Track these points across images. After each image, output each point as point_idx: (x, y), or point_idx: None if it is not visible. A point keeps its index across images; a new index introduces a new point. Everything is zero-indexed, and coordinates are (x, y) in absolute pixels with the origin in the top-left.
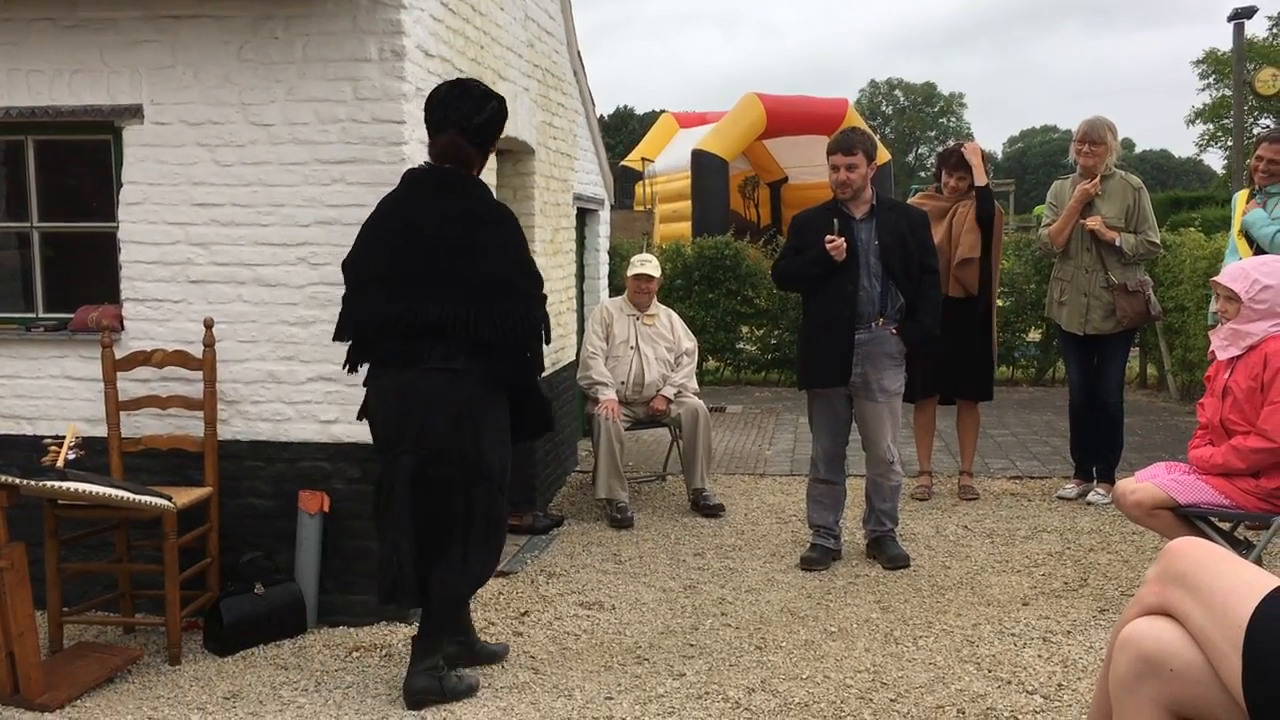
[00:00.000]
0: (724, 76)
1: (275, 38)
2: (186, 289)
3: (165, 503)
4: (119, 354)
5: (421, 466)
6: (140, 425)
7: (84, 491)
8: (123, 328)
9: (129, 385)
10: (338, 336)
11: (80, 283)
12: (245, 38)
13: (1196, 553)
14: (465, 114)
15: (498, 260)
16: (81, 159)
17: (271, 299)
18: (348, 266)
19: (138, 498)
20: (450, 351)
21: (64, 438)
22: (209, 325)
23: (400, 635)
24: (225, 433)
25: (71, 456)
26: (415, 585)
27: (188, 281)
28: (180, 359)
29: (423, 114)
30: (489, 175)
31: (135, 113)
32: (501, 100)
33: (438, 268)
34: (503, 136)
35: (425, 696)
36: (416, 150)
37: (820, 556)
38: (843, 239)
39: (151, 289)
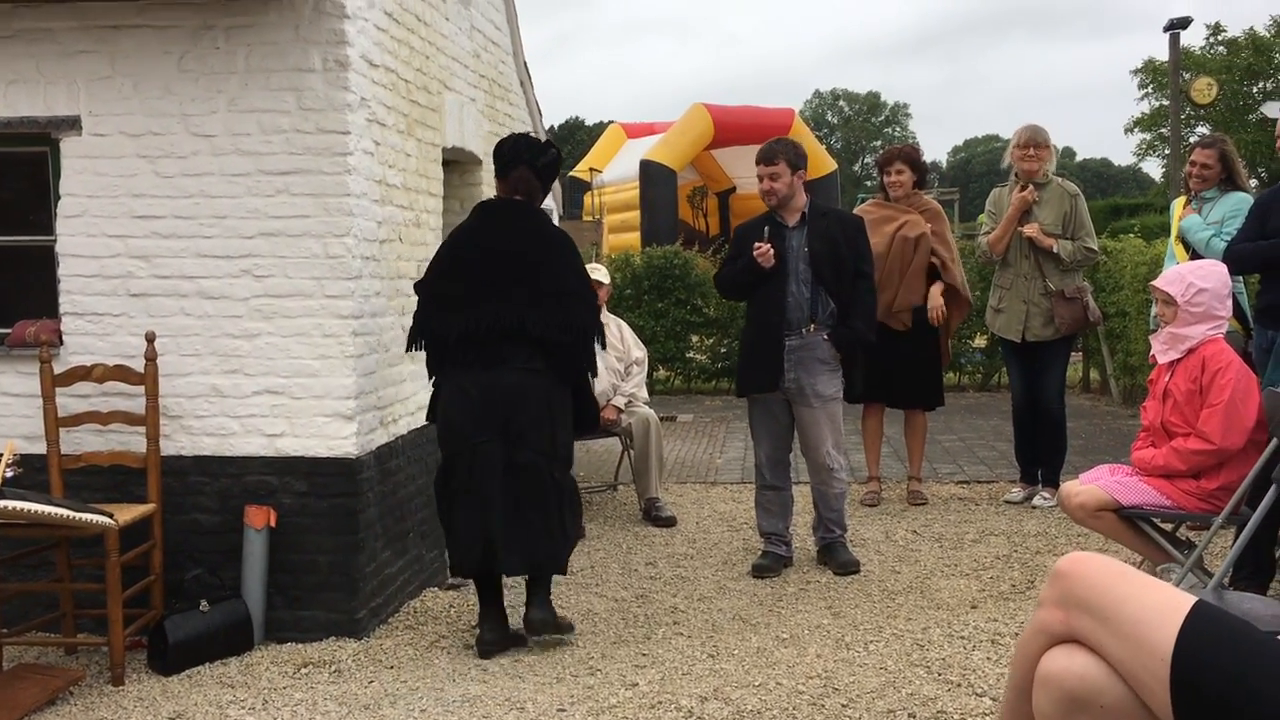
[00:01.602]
0: (678, 87)
1: (217, 48)
2: (127, 302)
3: (106, 520)
4: (58, 369)
5: (509, 453)
6: (80, 441)
7: (22, 510)
8: (61, 342)
9: (68, 401)
10: (410, 348)
11: (17, 297)
12: (186, 48)
13: (1092, 574)
14: (534, 154)
15: (565, 276)
16: (18, 171)
17: (215, 311)
18: (426, 284)
19: (78, 515)
20: (529, 354)
21: (1, 455)
22: (150, 339)
23: (349, 650)
24: (168, 448)
25: (9, 474)
26: (506, 552)
27: (128, 295)
28: (121, 374)
29: (492, 159)
30: (436, 185)
31: (73, 124)
32: (559, 149)
33: (517, 282)
34: (449, 147)
35: (545, 627)
36: (362, 161)
37: (771, 564)
38: (769, 246)
39: (91, 303)
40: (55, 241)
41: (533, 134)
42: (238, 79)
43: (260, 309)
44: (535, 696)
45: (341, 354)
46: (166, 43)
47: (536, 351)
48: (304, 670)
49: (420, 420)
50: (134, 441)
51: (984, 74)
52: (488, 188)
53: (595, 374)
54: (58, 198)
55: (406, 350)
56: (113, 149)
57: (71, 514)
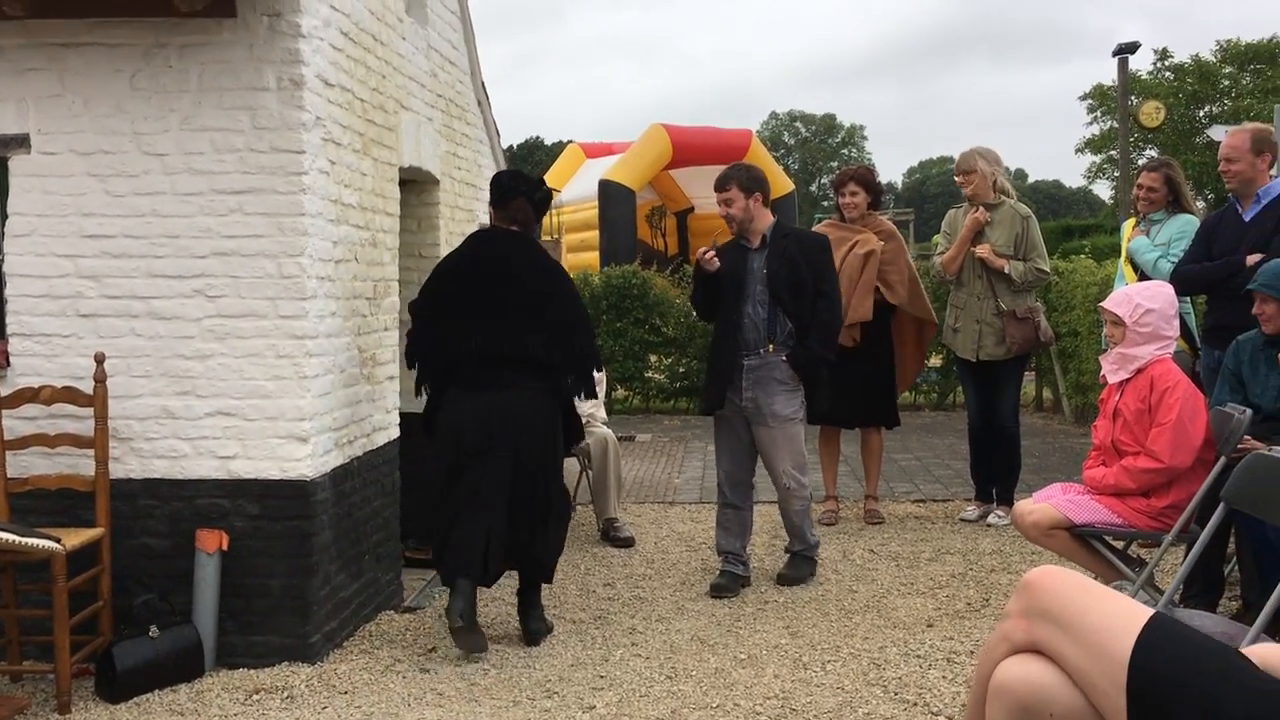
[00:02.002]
0: (638, 108)
1: (169, 66)
2: (76, 323)
3: (53, 545)
4: (4, 391)
5: (515, 467)
6: (27, 465)
7: None
8: (8, 364)
9: (15, 423)
10: (410, 364)
11: None
12: (138, 66)
13: (1060, 586)
14: (532, 189)
15: (565, 304)
16: None
17: (166, 332)
18: (421, 307)
19: (24, 540)
20: (533, 375)
21: None
22: (100, 360)
23: (302, 676)
24: (118, 471)
25: None
26: (505, 557)
27: (77, 315)
28: (69, 396)
29: (488, 190)
30: (392, 204)
31: (22, 142)
32: (550, 189)
33: (520, 308)
34: (406, 166)
35: (542, 634)
36: (317, 180)
37: (729, 583)
38: (714, 252)
39: (39, 323)
40: (2, 261)
41: (491, 153)
42: (190, 97)
43: (213, 329)
44: None
45: (296, 375)
46: (118, 61)
47: (539, 373)
48: (255, 697)
49: (377, 441)
50: (82, 464)
51: (939, 97)
52: (445, 207)
53: (595, 397)
54: (5, 217)
55: (410, 368)
56: (62, 168)
57: (17, 538)
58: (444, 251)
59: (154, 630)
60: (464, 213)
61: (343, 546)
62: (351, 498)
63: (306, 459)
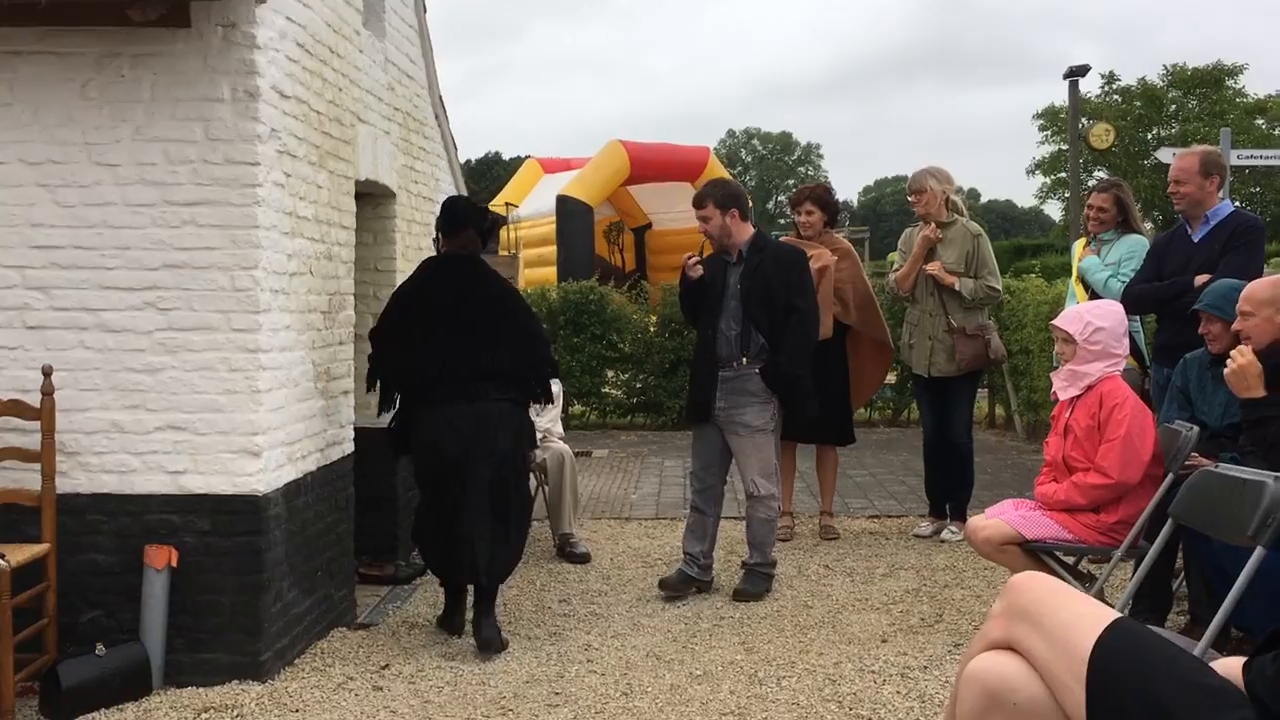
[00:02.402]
0: (597, 124)
1: (122, 75)
2: (23, 335)
3: None
4: None
5: (492, 474)
6: None
7: None
8: None
9: None
10: (372, 387)
11: None
12: (89, 75)
13: (1038, 588)
14: (478, 219)
15: (522, 319)
16: None
17: (116, 345)
18: (385, 330)
19: None
20: (501, 387)
21: None
22: (47, 373)
23: (252, 694)
24: (65, 486)
25: None
26: (487, 561)
27: (24, 327)
28: (15, 409)
29: (442, 216)
30: (348, 218)
31: None
32: (496, 215)
33: (484, 325)
34: (363, 180)
35: (496, 644)
36: (271, 192)
37: (678, 581)
38: (697, 259)
39: None
40: None
41: (449, 168)
42: (143, 108)
43: (164, 342)
44: None
45: (249, 389)
46: (69, 70)
47: (505, 384)
48: (204, 716)
49: (331, 456)
50: (28, 479)
51: (895, 117)
52: (402, 221)
53: (554, 403)
54: None
55: (371, 390)
56: (10, 177)
57: None
58: (400, 265)
59: (100, 648)
60: (420, 227)
61: (295, 562)
62: (305, 513)
63: (259, 474)
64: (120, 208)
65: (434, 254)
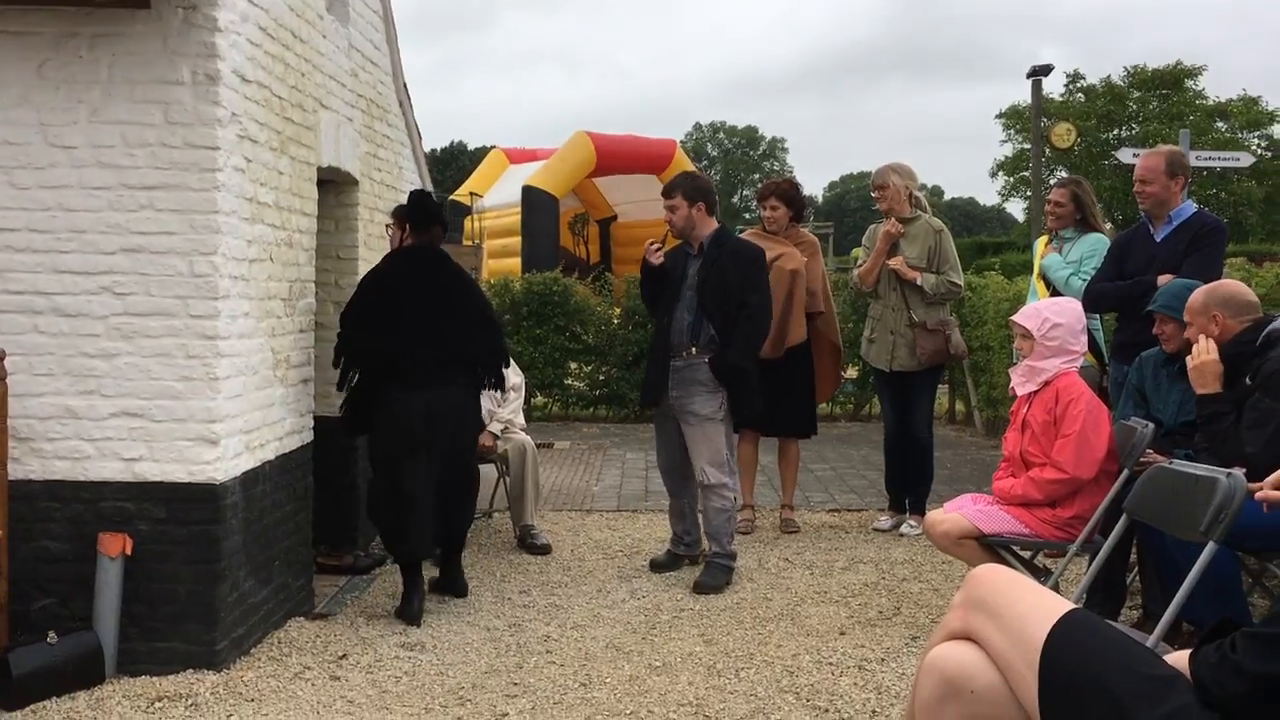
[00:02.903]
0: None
1: (79, 56)
2: None
3: None
4: None
5: (453, 452)
6: None
7: None
8: None
9: None
10: (338, 364)
11: None
12: (46, 55)
13: (996, 579)
14: (443, 218)
15: (481, 308)
16: None
17: (71, 330)
18: (358, 313)
19: None
20: (462, 372)
21: None
22: (0, 357)
23: (207, 683)
24: (17, 472)
25: None
26: (450, 533)
27: None
28: None
29: (411, 209)
30: (310, 204)
31: None
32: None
33: (450, 315)
34: (325, 166)
35: (466, 586)
36: (231, 178)
37: (667, 560)
38: (659, 245)
39: None
40: None
41: (412, 156)
42: (101, 89)
43: (120, 328)
44: None
45: (206, 376)
46: (25, 49)
47: (469, 371)
48: (158, 704)
49: (290, 445)
50: None
51: (862, 114)
52: (364, 209)
53: (504, 388)
54: None
55: (336, 365)
56: None
57: None
58: (363, 253)
59: (52, 636)
60: (383, 215)
61: (252, 551)
62: (262, 502)
63: (216, 462)
64: (76, 190)
65: (395, 244)
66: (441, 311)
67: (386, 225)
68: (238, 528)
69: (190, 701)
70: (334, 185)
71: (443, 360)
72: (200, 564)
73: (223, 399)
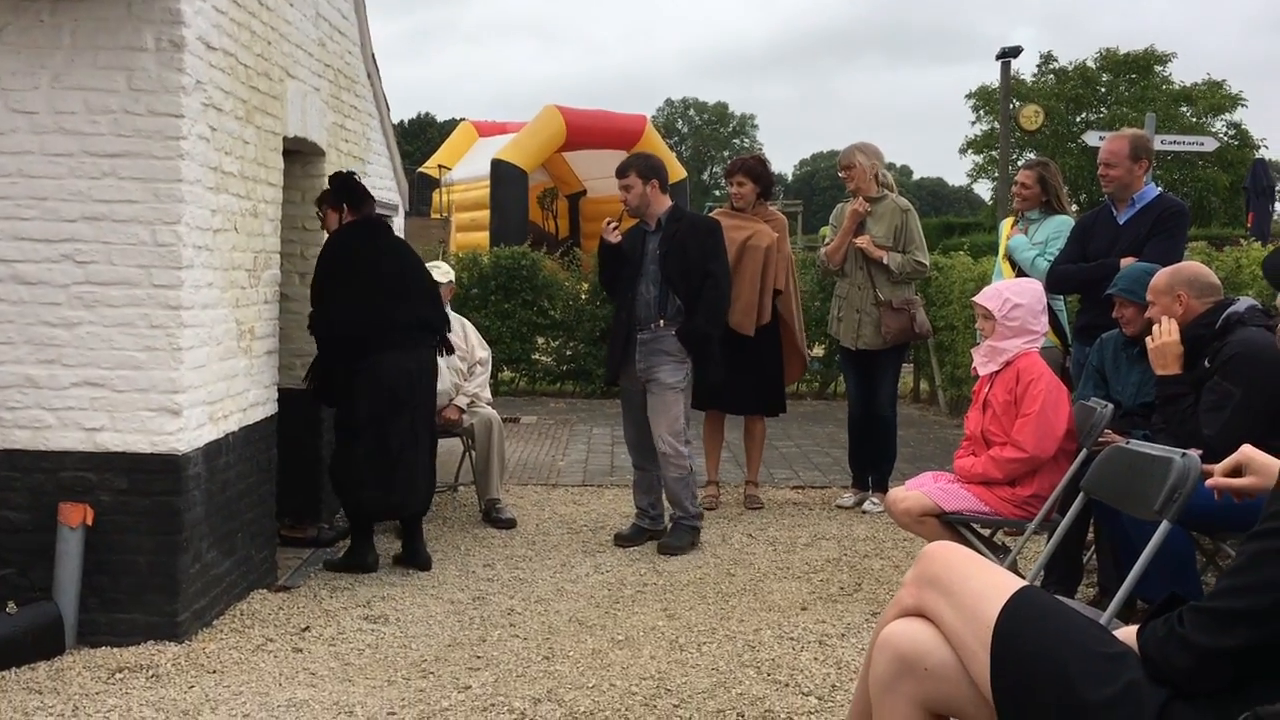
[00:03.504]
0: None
1: (41, 21)
2: None
3: None
4: None
5: (428, 414)
6: None
7: None
8: None
9: None
10: (322, 330)
11: None
12: (6, 19)
13: (949, 557)
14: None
15: (430, 278)
16: None
17: (31, 298)
18: (336, 281)
19: None
20: (427, 335)
21: None
22: None
23: (169, 654)
24: None
25: None
26: (426, 492)
27: None
28: None
29: (349, 188)
30: (275, 175)
31: None
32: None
33: (415, 283)
34: (291, 137)
35: (430, 559)
36: (196, 146)
37: (632, 534)
38: (616, 224)
39: None
40: None
41: (380, 127)
42: (63, 54)
43: (81, 296)
44: (365, 700)
45: (169, 346)
46: None
47: (429, 333)
48: (119, 675)
49: (254, 417)
50: None
51: (834, 92)
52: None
53: (454, 353)
54: None
55: (314, 334)
56: None
57: None
58: None
59: (11, 606)
60: None
61: (215, 523)
62: (226, 473)
63: (178, 432)
64: (38, 157)
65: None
66: (406, 277)
67: (317, 214)
68: (200, 499)
69: (151, 672)
70: (301, 156)
71: (411, 323)
72: (162, 535)
73: (186, 369)
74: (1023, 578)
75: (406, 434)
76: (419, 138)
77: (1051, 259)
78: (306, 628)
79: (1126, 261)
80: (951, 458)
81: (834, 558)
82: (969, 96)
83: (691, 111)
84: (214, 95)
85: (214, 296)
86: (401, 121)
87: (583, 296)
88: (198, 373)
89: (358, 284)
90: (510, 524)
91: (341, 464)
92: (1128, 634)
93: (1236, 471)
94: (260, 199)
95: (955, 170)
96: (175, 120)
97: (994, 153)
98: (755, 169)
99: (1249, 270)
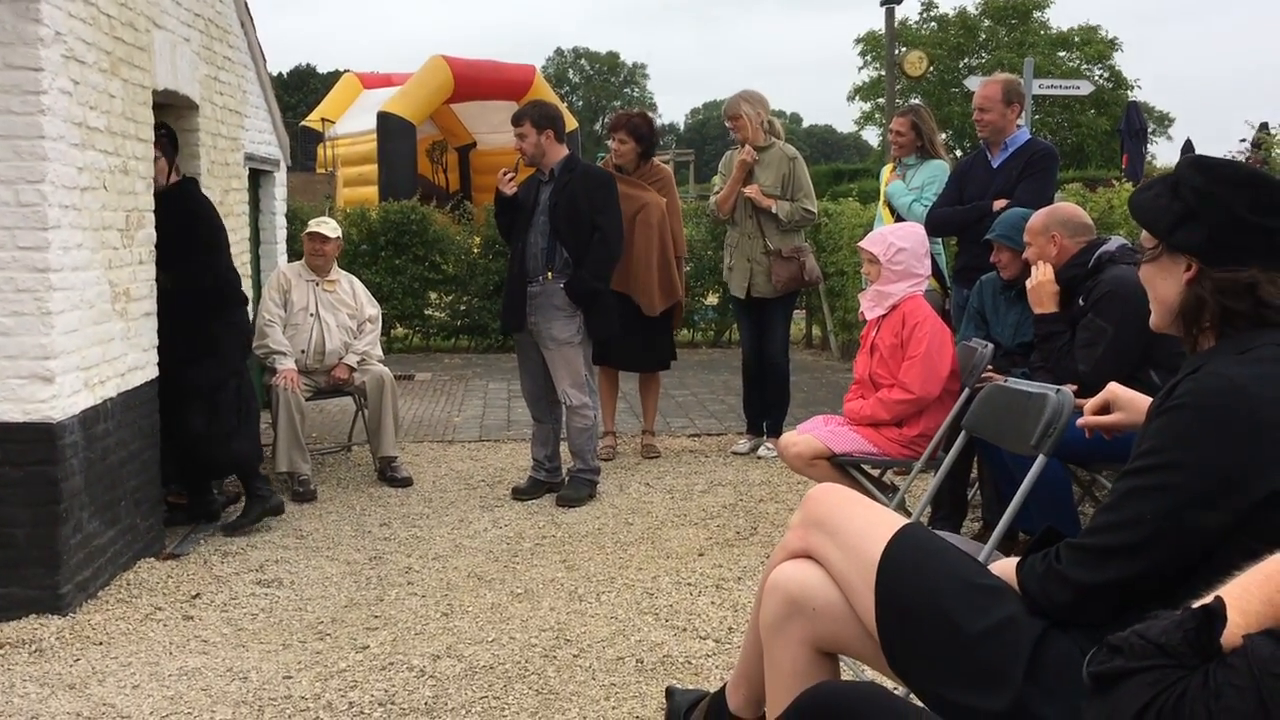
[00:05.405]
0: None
1: None
2: None
3: None
4: None
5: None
6: None
7: None
8: None
9: None
10: (222, 283)
11: None
12: None
13: (833, 498)
14: None
15: None
16: None
17: None
18: (221, 239)
19: None
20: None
21: None
22: None
23: (52, 628)
24: None
25: None
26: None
27: None
28: None
29: (175, 141)
30: (146, 130)
31: None
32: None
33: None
34: (162, 90)
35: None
36: (58, 100)
37: (529, 487)
38: (512, 174)
39: None
40: None
41: (256, 79)
42: None
43: None
44: (260, 665)
45: (38, 311)
46: None
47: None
48: (0, 651)
49: (133, 381)
50: None
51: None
52: (206, 135)
53: None
54: None
55: (202, 283)
56: None
57: None
58: (206, 181)
59: None
60: (227, 141)
61: (96, 492)
62: (105, 440)
63: (52, 400)
64: None
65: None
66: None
67: (155, 156)
68: (78, 468)
69: (35, 647)
70: (173, 109)
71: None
72: (39, 506)
73: (57, 334)
74: (910, 515)
75: (251, 395)
76: (300, 89)
77: (928, 204)
78: (197, 595)
79: (1000, 203)
80: (843, 402)
81: (730, 503)
82: (857, 42)
83: (583, 61)
84: (75, 47)
85: (84, 258)
86: (280, 73)
87: (475, 251)
88: (70, 337)
89: (225, 241)
90: (406, 482)
91: (210, 420)
92: (1003, 565)
93: (1105, 409)
94: (130, 155)
95: (844, 117)
96: (34, 74)
97: (881, 100)
98: (639, 128)
99: (1120, 210)
